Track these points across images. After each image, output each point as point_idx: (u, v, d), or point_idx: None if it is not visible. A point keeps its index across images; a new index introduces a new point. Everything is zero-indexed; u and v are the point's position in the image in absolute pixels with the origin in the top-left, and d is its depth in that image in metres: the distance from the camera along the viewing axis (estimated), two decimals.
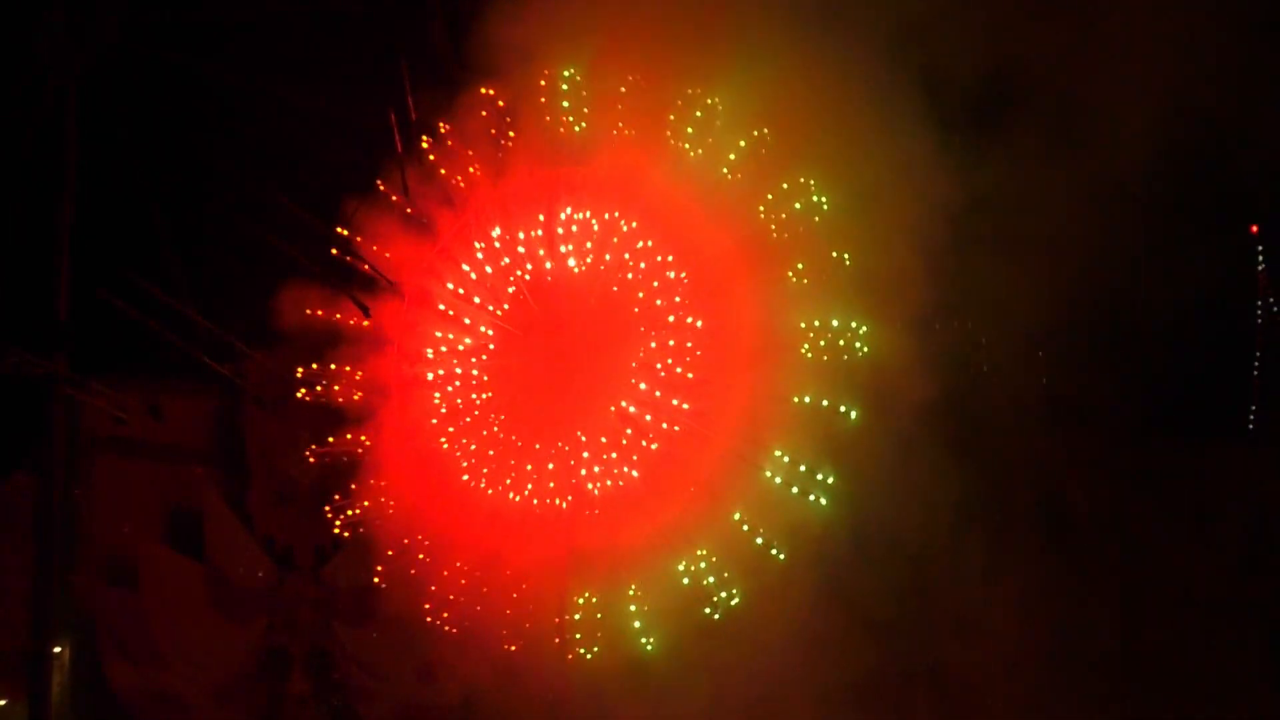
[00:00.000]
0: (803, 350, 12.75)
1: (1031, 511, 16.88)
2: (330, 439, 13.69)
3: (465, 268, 13.32)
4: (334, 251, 13.37)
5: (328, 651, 16.37)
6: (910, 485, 14.05)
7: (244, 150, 15.59)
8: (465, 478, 13.29)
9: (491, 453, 13.30)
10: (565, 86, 12.84)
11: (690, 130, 12.82)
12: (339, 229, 13.41)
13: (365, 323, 13.46)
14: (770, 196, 12.84)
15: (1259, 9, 14.07)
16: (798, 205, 12.82)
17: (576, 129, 12.88)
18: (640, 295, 12.95)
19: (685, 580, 12.86)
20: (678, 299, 12.89)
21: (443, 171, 13.32)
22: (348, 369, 13.54)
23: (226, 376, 15.83)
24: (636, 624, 12.97)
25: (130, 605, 15.86)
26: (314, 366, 13.58)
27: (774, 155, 12.80)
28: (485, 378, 13.33)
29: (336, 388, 13.56)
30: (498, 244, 13.25)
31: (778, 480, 12.75)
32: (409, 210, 13.40)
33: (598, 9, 12.68)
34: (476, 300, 13.24)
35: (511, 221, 13.22)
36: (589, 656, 13.08)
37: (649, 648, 12.94)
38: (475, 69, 13.04)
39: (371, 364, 13.50)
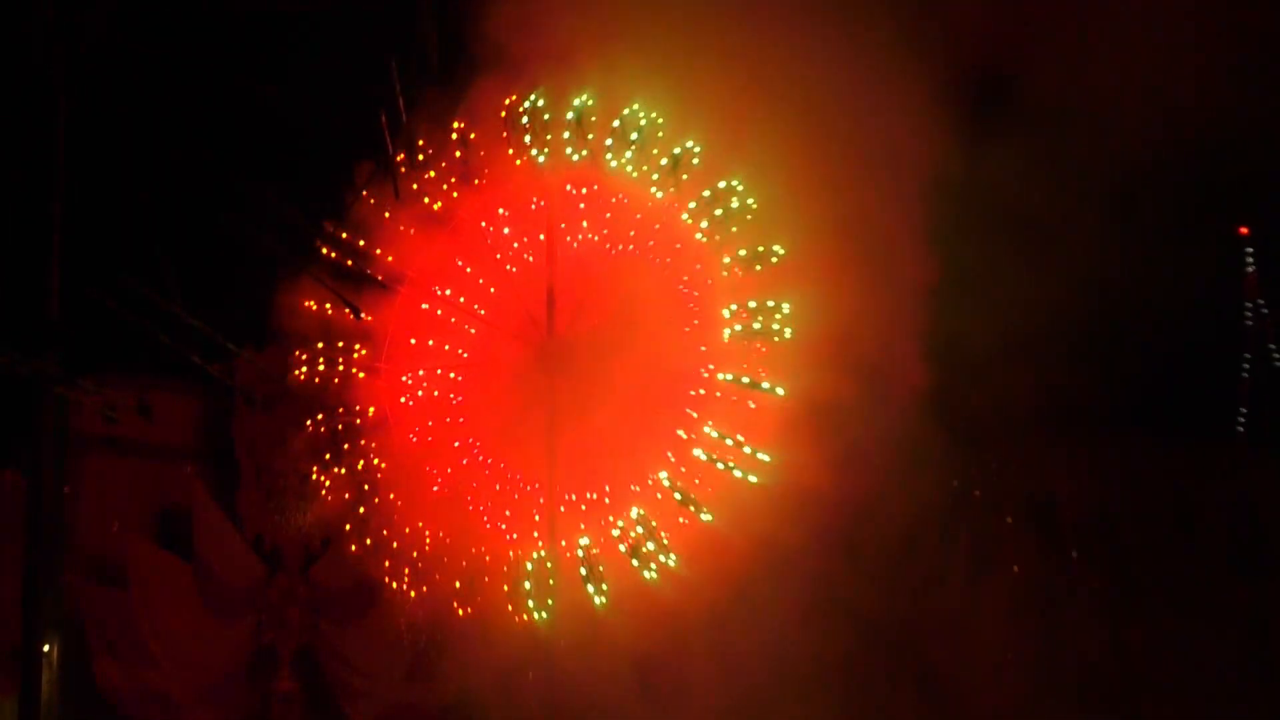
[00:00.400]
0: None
1: (1019, 510, 16.93)
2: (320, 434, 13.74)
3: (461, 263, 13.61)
4: (325, 251, 13.40)
5: (316, 650, 16.42)
6: (898, 484, 14.10)
7: (234, 148, 15.58)
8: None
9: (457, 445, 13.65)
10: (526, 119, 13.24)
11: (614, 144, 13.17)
12: (329, 228, 13.47)
13: (360, 318, 13.52)
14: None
15: (1254, 9, 14.11)
16: (734, 203, 13.07)
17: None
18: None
19: (622, 547, 13.04)
20: None
21: (431, 174, 13.49)
22: (339, 367, 13.59)
23: (216, 376, 15.80)
24: (589, 586, 13.08)
25: (119, 604, 15.82)
26: (304, 365, 13.62)
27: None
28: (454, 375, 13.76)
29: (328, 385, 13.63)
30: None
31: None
32: (399, 209, 13.47)
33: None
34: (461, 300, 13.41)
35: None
36: (541, 616, 13.15)
37: (600, 602, 13.01)
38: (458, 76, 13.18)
39: (352, 363, 13.61)
